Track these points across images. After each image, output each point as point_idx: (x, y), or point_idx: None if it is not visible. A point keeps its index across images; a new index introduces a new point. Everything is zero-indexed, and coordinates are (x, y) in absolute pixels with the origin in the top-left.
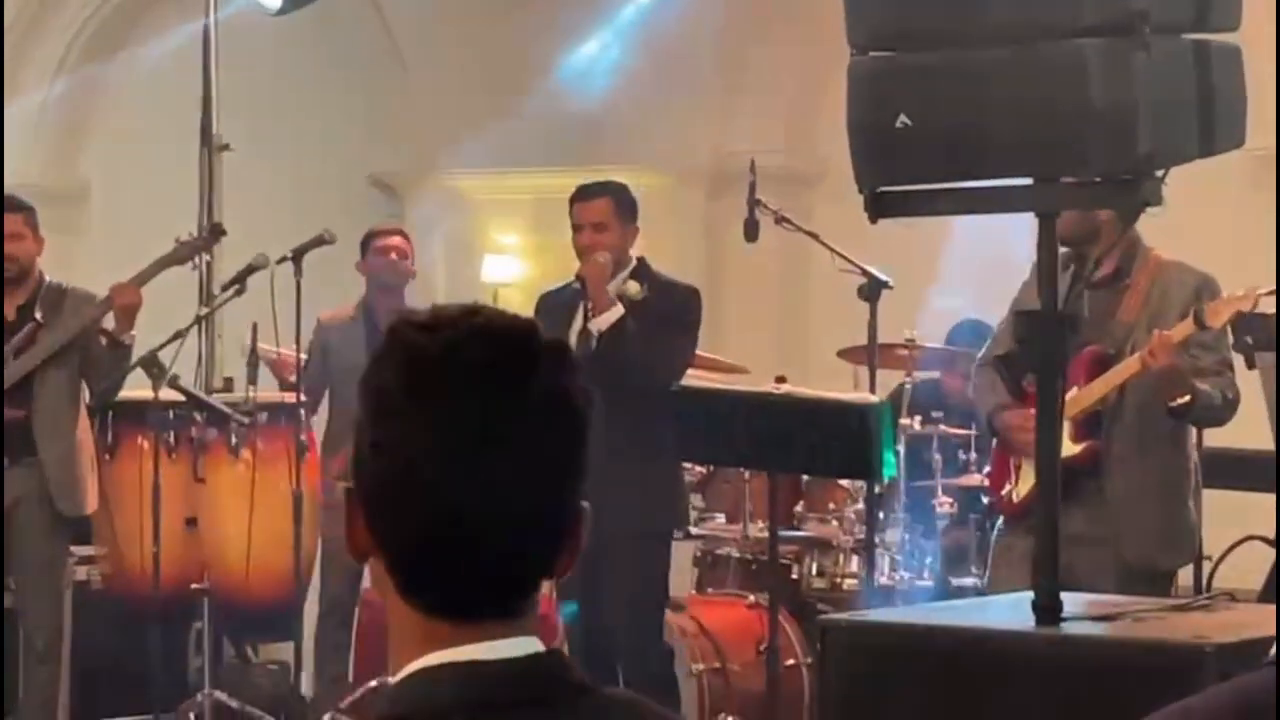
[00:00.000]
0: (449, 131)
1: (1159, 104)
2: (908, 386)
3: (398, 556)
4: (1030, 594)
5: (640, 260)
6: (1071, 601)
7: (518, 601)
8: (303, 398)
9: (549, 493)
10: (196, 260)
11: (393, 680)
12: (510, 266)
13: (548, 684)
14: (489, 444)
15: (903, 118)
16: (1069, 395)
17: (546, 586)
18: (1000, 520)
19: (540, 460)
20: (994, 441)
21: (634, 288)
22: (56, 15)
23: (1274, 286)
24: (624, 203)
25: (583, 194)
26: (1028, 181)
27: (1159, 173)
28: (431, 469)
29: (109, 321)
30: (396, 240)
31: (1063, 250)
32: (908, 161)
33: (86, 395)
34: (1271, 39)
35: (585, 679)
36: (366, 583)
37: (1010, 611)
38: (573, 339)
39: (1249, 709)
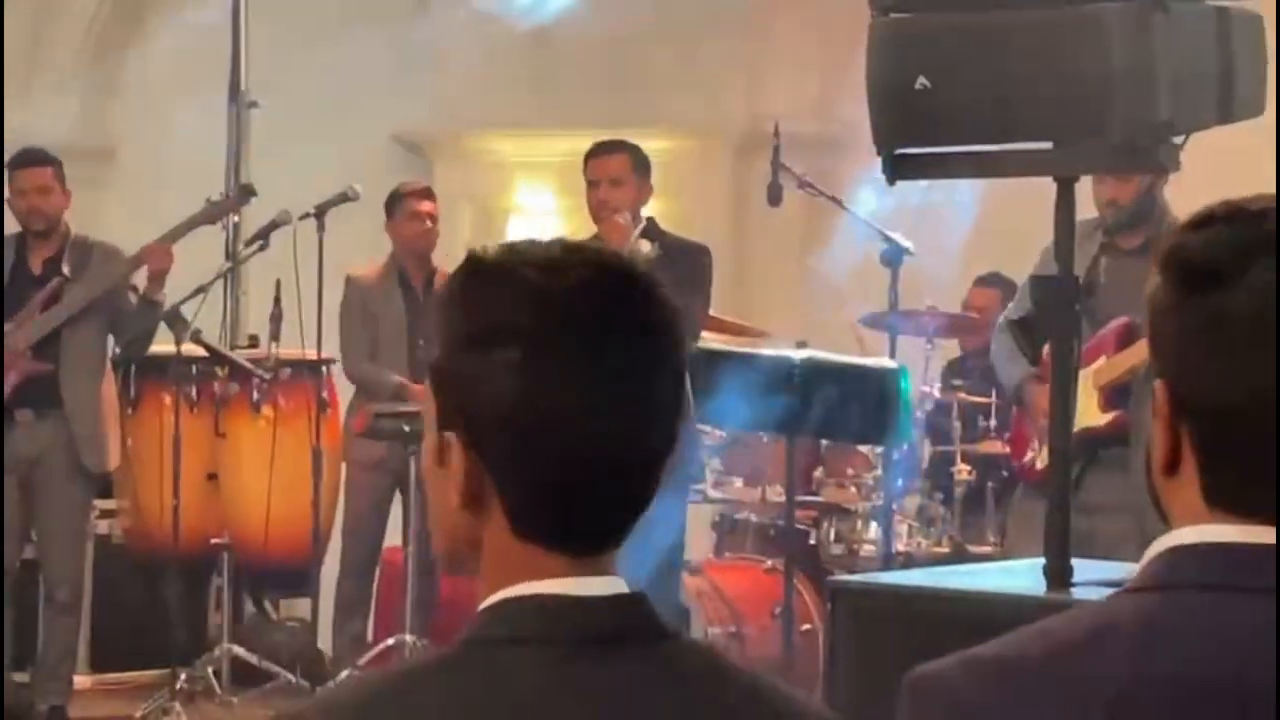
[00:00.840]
0: (477, 91)
1: (1179, 70)
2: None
3: (530, 494)
4: (1043, 560)
5: (650, 220)
6: (1085, 569)
7: (625, 535)
8: (337, 353)
9: (666, 425)
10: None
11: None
12: (536, 228)
13: (636, 623)
14: (622, 379)
15: (922, 80)
16: (1098, 365)
17: None
18: (1020, 487)
19: (661, 392)
20: (1014, 408)
21: (646, 247)
22: None
23: None
24: (640, 160)
25: (600, 149)
26: (1047, 145)
27: (1178, 139)
28: (578, 404)
29: (140, 279)
30: (428, 205)
31: (1090, 217)
32: (927, 124)
33: (113, 348)
34: None
35: (669, 623)
36: (388, 542)
37: (1022, 577)
38: None
39: (1105, 629)
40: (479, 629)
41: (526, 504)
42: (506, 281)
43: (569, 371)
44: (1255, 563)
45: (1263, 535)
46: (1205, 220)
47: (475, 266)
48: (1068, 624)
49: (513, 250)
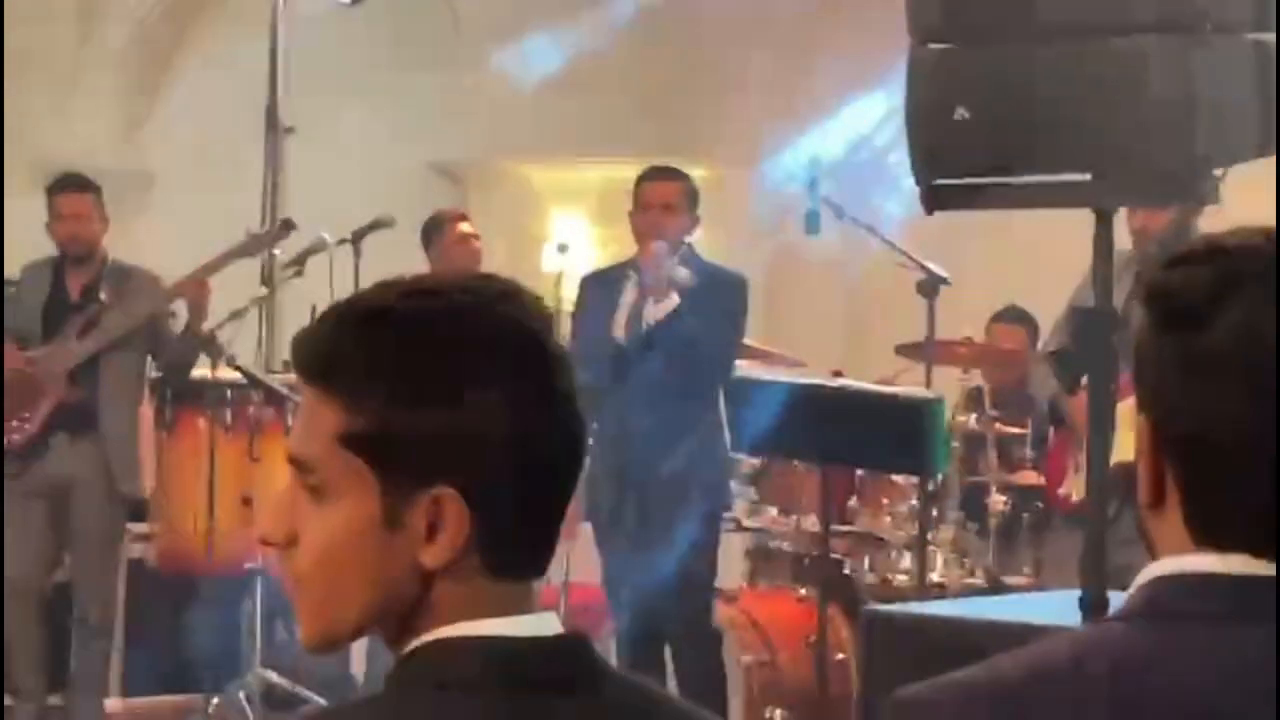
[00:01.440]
0: (514, 121)
1: (1217, 103)
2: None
3: (512, 525)
4: (1079, 591)
5: (689, 247)
6: (1119, 600)
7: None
8: None
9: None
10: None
11: (410, 646)
12: (571, 256)
13: (575, 666)
14: (572, 399)
15: (961, 110)
16: (1132, 400)
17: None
18: (1057, 519)
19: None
20: (1051, 434)
21: (682, 274)
22: None
23: None
24: (692, 191)
25: (656, 174)
26: (1085, 177)
27: (1216, 172)
28: (557, 430)
29: (179, 306)
30: (470, 226)
31: (1126, 249)
32: (965, 155)
33: (150, 372)
34: None
35: (605, 661)
36: None
37: (1057, 608)
38: (619, 322)
39: (1088, 655)
40: (411, 671)
41: (506, 538)
42: (469, 323)
43: (545, 399)
44: (1234, 592)
45: (1242, 566)
46: (1184, 258)
47: (413, 314)
48: (1051, 649)
49: (429, 291)
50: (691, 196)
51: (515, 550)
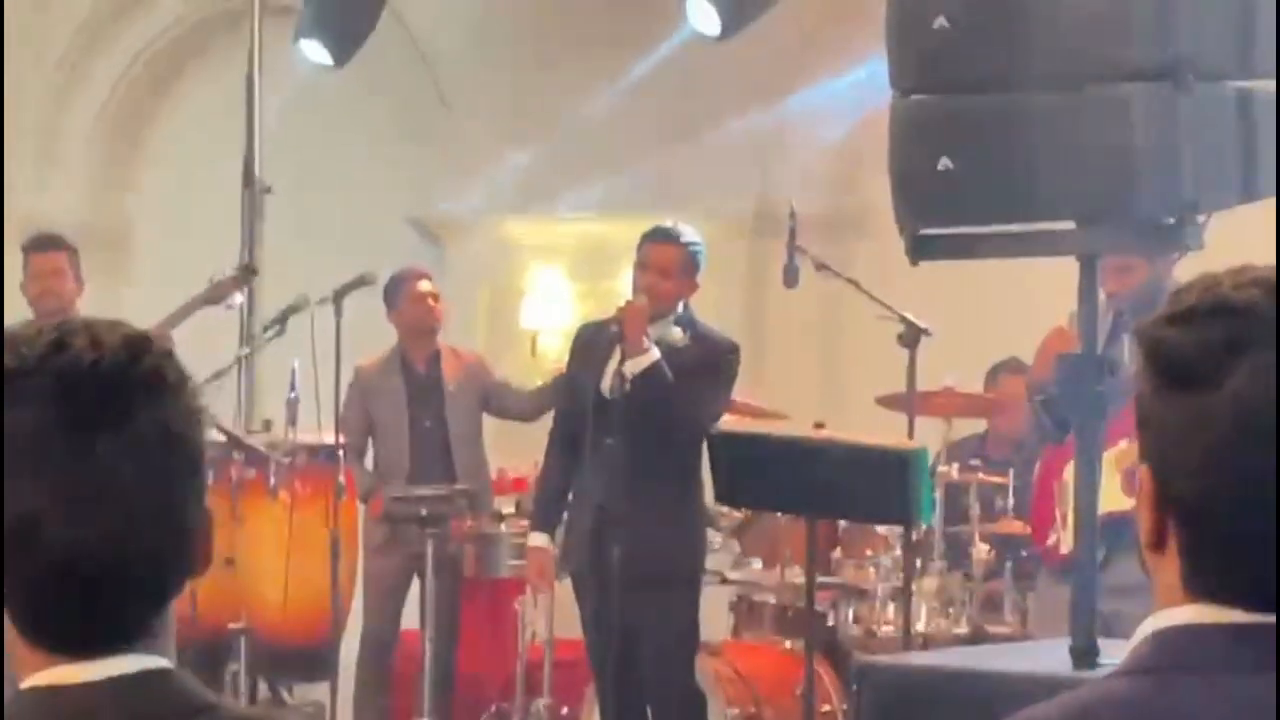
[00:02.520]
0: (491, 176)
1: (1202, 149)
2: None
3: (25, 599)
4: (1068, 640)
5: (686, 308)
6: (1113, 648)
7: (137, 629)
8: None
9: (160, 523)
10: (231, 301)
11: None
12: (550, 312)
13: (149, 702)
14: (104, 489)
15: (944, 161)
16: (1120, 448)
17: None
18: (1044, 571)
19: (149, 493)
20: (1036, 486)
21: (676, 334)
22: (103, 58)
23: None
24: (693, 259)
25: (659, 236)
26: (1071, 225)
27: (1200, 218)
28: (53, 518)
29: None
30: (427, 285)
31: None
32: (950, 205)
33: None
34: None
35: (210, 696)
36: (405, 623)
37: (1047, 656)
38: (607, 378)
39: (1095, 711)
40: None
41: (24, 610)
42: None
43: (41, 475)
44: (1236, 643)
45: (1242, 615)
46: (1188, 315)
47: None
48: (1057, 708)
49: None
50: (691, 265)
51: (37, 623)
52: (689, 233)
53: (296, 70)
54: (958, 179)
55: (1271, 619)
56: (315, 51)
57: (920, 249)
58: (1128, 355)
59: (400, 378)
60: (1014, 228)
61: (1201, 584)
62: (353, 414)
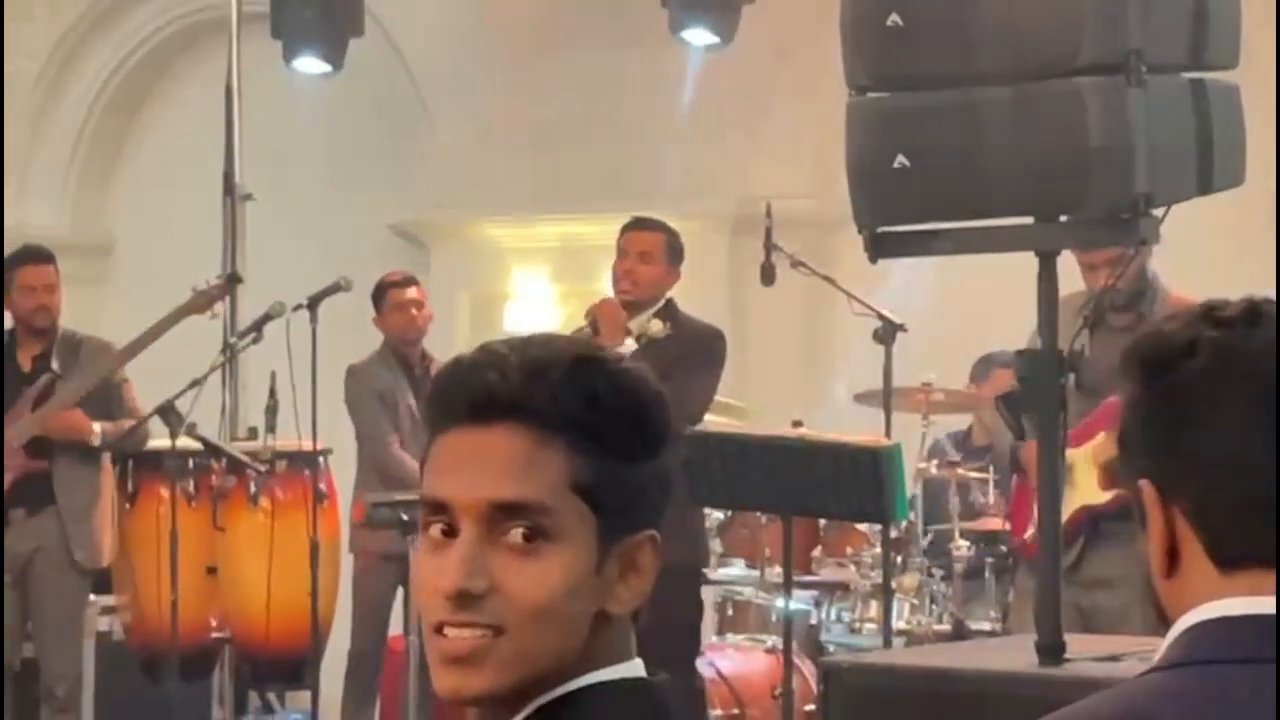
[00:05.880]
0: (472, 179)
1: (1156, 143)
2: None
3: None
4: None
5: (669, 300)
6: (1079, 642)
7: None
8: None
9: None
10: (215, 309)
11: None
12: (533, 314)
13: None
14: None
15: (901, 159)
16: (1096, 442)
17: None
18: (1022, 565)
19: None
20: (1015, 480)
21: (656, 326)
22: (83, 67)
23: None
24: (674, 246)
25: (638, 224)
26: (1027, 221)
27: (1158, 211)
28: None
29: (132, 371)
30: (413, 292)
31: (1079, 290)
32: (907, 202)
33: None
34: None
35: None
36: (392, 632)
37: (1015, 652)
38: None
39: (1130, 713)
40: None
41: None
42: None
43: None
44: (1271, 632)
45: (1273, 605)
46: (1189, 350)
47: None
48: (1095, 706)
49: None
50: (672, 251)
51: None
52: (669, 225)
53: (277, 77)
54: (914, 176)
55: None
56: (310, 65)
57: (879, 246)
58: (1089, 351)
59: (405, 380)
60: (972, 224)
61: (1229, 550)
62: (372, 405)
